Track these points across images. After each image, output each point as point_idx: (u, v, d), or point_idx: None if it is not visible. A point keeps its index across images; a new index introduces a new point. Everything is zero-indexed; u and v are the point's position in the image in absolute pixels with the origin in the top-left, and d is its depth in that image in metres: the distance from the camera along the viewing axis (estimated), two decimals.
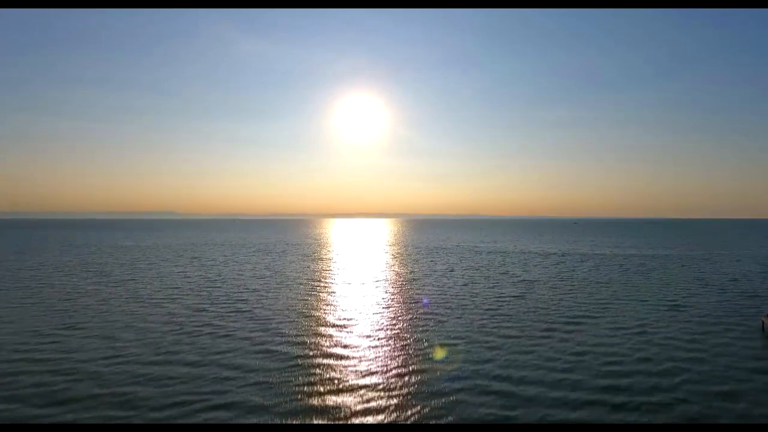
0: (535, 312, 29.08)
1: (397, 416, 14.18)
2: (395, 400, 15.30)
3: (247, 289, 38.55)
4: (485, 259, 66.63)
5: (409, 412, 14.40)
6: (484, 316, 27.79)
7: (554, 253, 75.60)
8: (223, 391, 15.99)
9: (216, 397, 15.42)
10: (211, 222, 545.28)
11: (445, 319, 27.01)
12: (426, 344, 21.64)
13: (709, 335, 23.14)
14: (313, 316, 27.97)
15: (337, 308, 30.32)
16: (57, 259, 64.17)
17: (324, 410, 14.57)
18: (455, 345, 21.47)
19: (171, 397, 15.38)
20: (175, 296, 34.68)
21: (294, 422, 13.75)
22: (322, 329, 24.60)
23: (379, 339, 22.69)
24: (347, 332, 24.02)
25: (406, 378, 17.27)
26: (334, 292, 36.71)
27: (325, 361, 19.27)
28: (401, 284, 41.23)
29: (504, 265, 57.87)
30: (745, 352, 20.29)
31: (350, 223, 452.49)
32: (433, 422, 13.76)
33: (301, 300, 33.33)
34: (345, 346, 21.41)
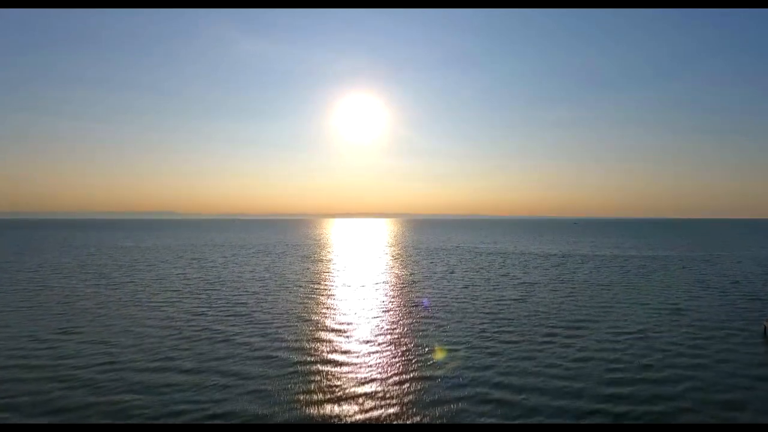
0: (536, 315, 28.86)
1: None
2: (394, 409, 15.09)
3: (246, 291, 38.33)
4: (485, 260, 66.41)
5: (409, 422, 14.19)
6: (485, 320, 27.57)
7: (554, 255, 75.39)
8: (221, 399, 15.77)
9: (213, 406, 15.20)
10: (211, 222, 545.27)
11: (445, 323, 26.79)
12: (426, 350, 21.42)
13: (712, 341, 22.92)
14: (312, 320, 27.74)
15: (337, 312, 30.10)
16: (56, 261, 63.94)
17: (323, 419, 14.35)
18: (456, 351, 21.25)
19: (167, 406, 15.16)
20: (174, 299, 34.46)
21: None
22: (321, 334, 24.38)
23: (378, 344, 22.47)
24: (346, 337, 23.81)
25: (406, 386, 17.05)
26: (333, 296, 36.49)
27: (324, 368, 19.05)
28: (401, 287, 41.01)
29: (504, 266, 57.65)
30: (749, 358, 20.06)
31: (350, 223, 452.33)
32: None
33: (300, 303, 33.11)
34: (344, 352, 21.19)
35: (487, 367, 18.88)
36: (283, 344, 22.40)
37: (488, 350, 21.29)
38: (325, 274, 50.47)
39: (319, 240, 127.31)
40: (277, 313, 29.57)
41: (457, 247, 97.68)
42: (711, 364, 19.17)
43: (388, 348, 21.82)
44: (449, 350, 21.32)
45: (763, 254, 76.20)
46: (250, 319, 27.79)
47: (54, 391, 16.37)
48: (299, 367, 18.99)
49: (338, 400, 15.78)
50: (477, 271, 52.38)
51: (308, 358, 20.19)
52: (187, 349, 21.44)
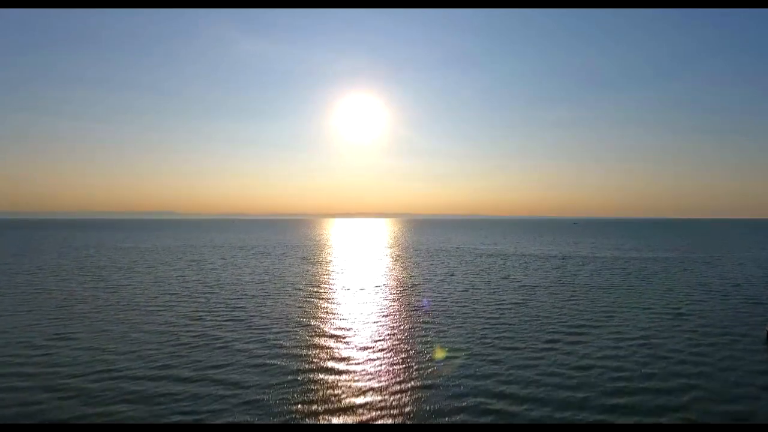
0: (537, 320, 28.59)
1: None
2: (393, 420, 14.82)
3: (245, 294, 38.06)
4: (485, 262, 66.13)
5: None
6: (485, 326, 27.30)
7: (555, 256, 75.12)
8: (218, 410, 15.50)
9: (210, 417, 14.94)
10: (210, 222, 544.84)
11: (445, 328, 26.52)
12: (426, 357, 21.14)
13: (715, 347, 22.65)
14: (311, 325, 27.47)
15: (336, 317, 29.84)
16: (54, 262, 63.66)
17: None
18: (456, 358, 20.98)
19: (162, 418, 14.89)
20: (172, 303, 34.19)
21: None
22: (319, 340, 24.11)
23: (377, 351, 22.20)
24: (345, 343, 23.54)
25: (406, 396, 16.77)
26: (332, 299, 36.22)
27: (322, 376, 18.78)
28: (401, 290, 40.73)
29: (504, 268, 57.38)
30: (754, 366, 19.79)
31: (350, 224, 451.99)
32: None
33: (299, 307, 32.84)
34: (342, 360, 20.91)
35: (488, 376, 18.60)
36: (282, 351, 22.13)
37: (489, 357, 21.01)
38: (324, 276, 50.21)
39: (319, 241, 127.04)
40: (276, 318, 29.30)
41: (457, 248, 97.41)
42: (715, 373, 18.90)
43: (388, 355, 21.54)
44: (449, 357, 21.05)
45: (763, 256, 75.93)
46: (248, 324, 27.52)
47: (47, 401, 16.09)
48: (297, 376, 18.72)
49: (336, 411, 15.51)
50: (477, 274, 52.11)
51: (306, 366, 19.91)
52: (184, 356, 21.16)
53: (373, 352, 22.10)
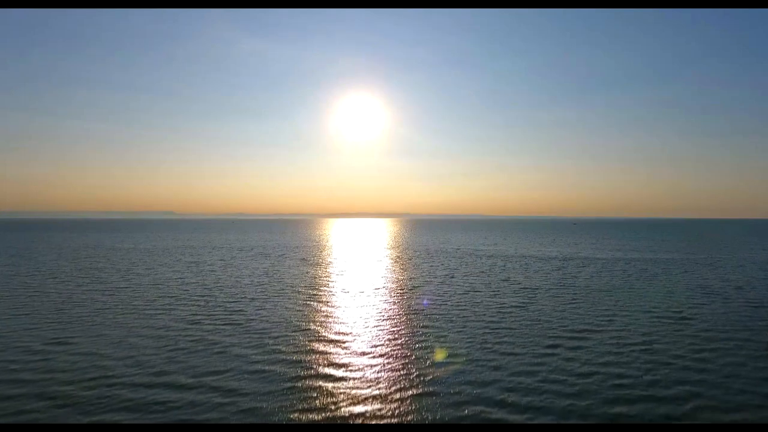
0: (537, 324, 28.38)
1: None
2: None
3: (244, 297, 37.84)
4: (485, 263, 65.93)
5: None
6: (486, 330, 27.09)
7: (555, 257, 74.92)
8: (215, 419, 15.28)
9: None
10: (210, 222, 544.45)
11: (446, 333, 26.30)
12: (426, 363, 20.92)
13: (718, 353, 22.43)
14: (310, 329, 27.25)
15: (335, 321, 29.63)
16: (53, 264, 63.44)
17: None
18: (456, 364, 20.76)
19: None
20: (171, 306, 33.96)
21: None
22: (317, 346, 23.89)
23: (376, 357, 21.98)
24: (344, 349, 23.32)
25: (405, 405, 16.56)
26: (332, 303, 36.01)
27: (320, 383, 18.55)
28: (401, 292, 40.52)
29: (505, 270, 57.17)
30: (758, 373, 19.57)
31: (350, 224, 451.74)
32: None
33: (298, 311, 32.62)
34: (341, 366, 20.69)
35: (488, 383, 18.38)
36: (280, 356, 21.90)
37: (490, 363, 20.79)
38: (323, 278, 49.99)
39: (319, 242, 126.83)
40: (275, 322, 29.08)
41: (457, 249, 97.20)
42: (719, 381, 18.68)
43: (387, 361, 21.32)
44: (450, 363, 20.82)
45: (764, 257, 75.73)
46: (247, 329, 27.30)
47: (41, 410, 15.86)
48: (295, 383, 18.50)
49: (334, 419, 15.29)
50: (477, 276, 51.90)
51: (304, 373, 19.69)
52: (181, 362, 20.94)
53: (373, 357, 21.88)
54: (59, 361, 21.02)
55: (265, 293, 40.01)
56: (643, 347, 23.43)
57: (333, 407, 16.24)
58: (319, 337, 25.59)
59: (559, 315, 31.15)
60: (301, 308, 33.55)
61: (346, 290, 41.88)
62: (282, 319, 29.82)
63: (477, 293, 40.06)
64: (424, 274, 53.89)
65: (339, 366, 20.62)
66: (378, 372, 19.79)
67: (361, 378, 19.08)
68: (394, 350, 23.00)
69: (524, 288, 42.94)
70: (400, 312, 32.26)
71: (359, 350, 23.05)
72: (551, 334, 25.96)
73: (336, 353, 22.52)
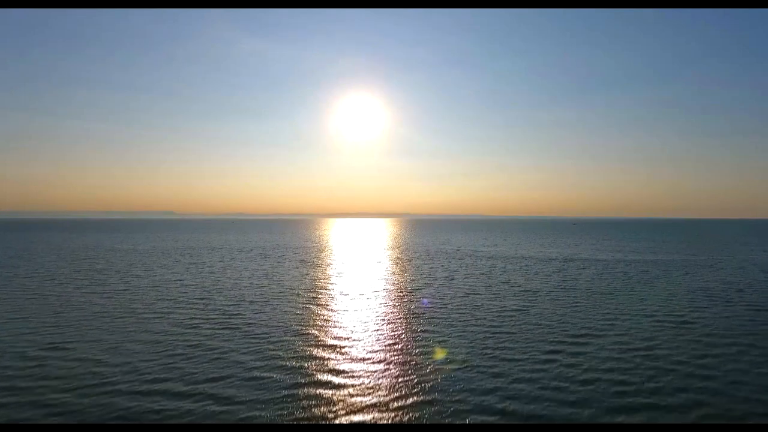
0: (538, 328, 28.15)
1: None
2: None
3: (243, 300, 37.61)
4: (486, 265, 65.69)
5: None
6: (487, 334, 26.87)
7: (555, 259, 74.67)
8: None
9: None
10: (210, 222, 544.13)
11: (446, 338, 26.07)
12: (427, 370, 20.68)
13: (722, 359, 22.19)
14: (310, 334, 27.02)
15: (334, 326, 29.40)
16: (52, 265, 63.19)
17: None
18: (457, 371, 20.53)
19: None
20: (169, 310, 33.72)
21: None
22: (316, 351, 23.65)
23: (376, 363, 21.74)
24: (342, 355, 23.08)
25: (405, 413, 16.33)
26: (331, 307, 35.78)
27: (319, 391, 18.32)
28: (401, 295, 40.28)
29: (505, 272, 56.94)
30: (762, 381, 19.33)
31: (350, 224, 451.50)
32: None
33: (297, 315, 32.39)
34: (339, 373, 20.45)
35: (489, 391, 18.15)
36: (278, 362, 21.67)
37: (491, 370, 20.55)
38: (323, 281, 49.76)
39: (318, 242, 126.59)
40: (274, 326, 28.85)
41: (457, 249, 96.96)
42: (723, 388, 18.44)
43: (387, 367, 21.09)
44: (451, 370, 20.59)
45: (765, 258, 75.46)
46: (245, 333, 27.07)
47: (35, 418, 15.63)
48: (294, 390, 18.26)
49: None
50: (477, 278, 51.66)
51: (302, 380, 19.45)
52: (179, 369, 20.70)
53: (372, 363, 21.65)
54: (55, 368, 20.78)
55: (265, 296, 39.78)
56: (645, 353, 23.20)
57: (331, 416, 16.02)
58: (318, 342, 25.35)
59: (560, 319, 30.92)
60: (300, 312, 33.32)
61: (345, 293, 41.65)
62: (281, 323, 29.59)
63: (477, 296, 39.84)
64: (424, 275, 53.65)
65: (338, 373, 20.38)
66: (377, 379, 19.56)
67: (360, 385, 18.85)
68: (394, 356, 22.77)
69: (525, 291, 42.71)
70: (401, 316, 32.02)
71: (358, 356, 22.82)
72: (552, 339, 25.73)
73: (335, 359, 22.29)
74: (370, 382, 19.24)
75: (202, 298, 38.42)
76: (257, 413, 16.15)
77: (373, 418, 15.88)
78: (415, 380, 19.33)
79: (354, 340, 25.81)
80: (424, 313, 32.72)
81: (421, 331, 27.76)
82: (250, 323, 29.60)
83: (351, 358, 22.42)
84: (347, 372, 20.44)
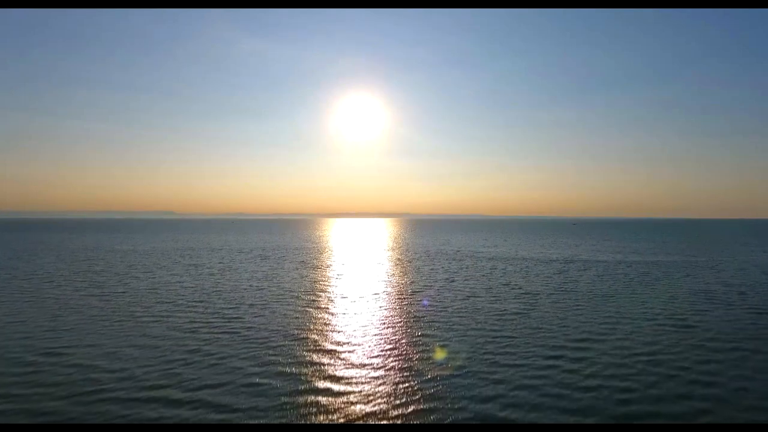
0: (539, 332, 27.93)
1: None
2: None
3: (243, 303, 37.38)
4: (486, 266, 65.47)
5: None
6: (487, 339, 26.65)
7: (556, 260, 74.44)
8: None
9: None
10: (210, 222, 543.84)
11: (447, 343, 25.84)
12: (428, 377, 20.45)
13: (725, 365, 21.97)
14: (309, 339, 26.80)
15: (334, 330, 29.18)
16: (50, 266, 62.95)
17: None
18: (457, 377, 20.31)
19: None
20: (168, 313, 33.49)
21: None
22: (315, 357, 23.42)
23: (376, 369, 21.52)
24: (342, 361, 22.86)
25: (406, 422, 16.09)
26: (331, 310, 35.57)
27: (317, 398, 18.09)
28: (402, 298, 40.05)
29: (505, 274, 56.71)
30: (766, 388, 19.10)
31: (350, 224, 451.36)
32: None
33: (296, 319, 32.17)
34: (338, 380, 20.22)
35: (490, 399, 17.93)
36: (277, 369, 21.44)
37: (492, 377, 20.32)
38: (323, 283, 49.54)
39: (318, 243, 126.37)
40: (273, 330, 28.62)
41: (458, 251, 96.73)
42: (727, 396, 18.21)
43: (387, 374, 20.86)
44: (451, 377, 20.36)
45: (766, 259, 75.21)
46: (244, 338, 26.84)
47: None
48: (291, 398, 18.04)
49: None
50: (478, 280, 51.44)
51: (300, 387, 19.23)
52: (176, 375, 20.47)
53: (372, 369, 21.42)
54: (51, 374, 20.56)
55: (264, 299, 39.55)
56: (647, 358, 22.97)
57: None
58: (317, 347, 25.12)
59: (561, 322, 30.69)
60: (299, 316, 33.09)
61: (345, 296, 41.43)
62: (280, 327, 29.36)
63: (478, 299, 39.61)
64: (424, 278, 53.43)
65: (336, 379, 20.15)
66: (377, 387, 19.33)
67: (359, 393, 18.63)
68: (394, 362, 22.54)
69: (525, 293, 42.48)
70: (401, 320, 31.80)
71: (357, 362, 22.59)
72: (553, 344, 25.50)
73: (333, 365, 22.06)
74: (369, 389, 19.02)
75: (201, 301, 38.20)
76: (255, 421, 15.93)
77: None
78: (416, 387, 19.11)
79: (353, 344, 25.59)
80: (424, 317, 32.51)
81: (422, 335, 27.54)
82: (249, 327, 29.38)
83: (350, 364, 22.19)
84: (346, 378, 20.22)
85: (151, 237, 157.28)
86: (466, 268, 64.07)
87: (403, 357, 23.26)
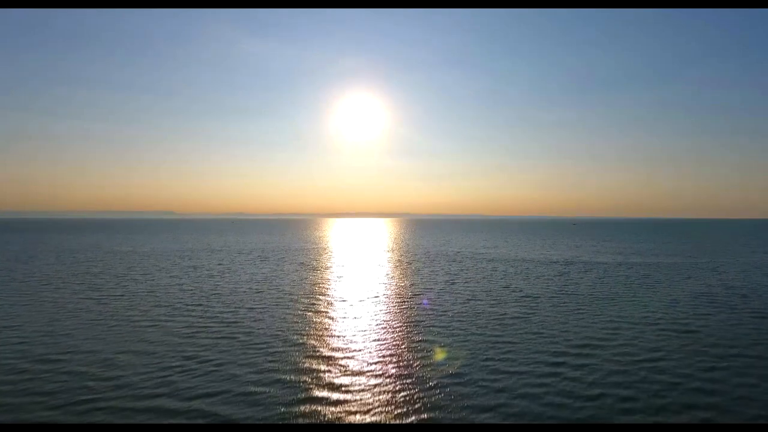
0: (540, 337, 27.64)
1: None
2: None
3: (242, 307, 37.09)
4: (486, 268, 65.18)
5: None
6: (488, 344, 26.36)
7: (556, 262, 74.16)
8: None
9: None
10: (210, 222, 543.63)
11: (447, 349, 25.53)
12: (428, 386, 20.16)
13: (729, 372, 21.67)
14: (308, 344, 26.51)
15: (333, 336, 28.90)
16: (49, 268, 62.65)
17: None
18: (458, 386, 20.02)
19: None
20: (166, 318, 33.21)
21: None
22: (314, 364, 23.13)
23: (375, 377, 21.23)
24: (340, 368, 22.56)
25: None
26: (330, 315, 35.30)
27: (316, 408, 17.80)
28: (402, 301, 39.76)
29: (506, 276, 56.41)
30: None
31: (350, 224, 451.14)
32: None
33: (295, 323, 31.88)
34: (337, 388, 19.93)
35: (492, 408, 17.64)
36: (275, 377, 21.16)
37: (493, 385, 20.03)
38: (323, 286, 49.25)
39: (318, 244, 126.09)
40: (273, 335, 28.34)
41: (458, 252, 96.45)
42: (732, 405, 17.91)
43: (386, 383, 20.57)
44: (451, 385, 20.08)
45: (766, 260, 74.95)
46: (243, 343, 26.55)
47: None
48: (290, 408, 17.76)
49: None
50: (478, 282, 51.15)
51: (299, 396, 18.94)
52: (173, 383, 20.18)
53: (372, 377, 21.12)
54: (45, 382, 20.27)
55: (263, 302, 39.27)
56: (650, 365, 22.67)
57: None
58: (316, 354, 24.83)
59: (562, 327, 30.41)
60: (299, 320, 32.80)
61: (345, 299, 41.14)
62: (279, 332, 29.07)
63: (478, 302, 39.32)
64: (424, 280, 53.14)
65: (335, 388, 19.86)
66: (376, 396, 19.04)
67: (358, 401, 18.34)
68: (394, 370, 22.24)
69: (526, 296, 42.19)
70: (401, 324, 31.51)
71: (357, 369, 22.29)
72: (554, 350, 25.21)
73: (332, 373, 21.77)
74: (368, 398, 18.73)
75: (200, 305, 37.91)
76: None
77: None
78: (416, 397, 18.82)
79: (353, 351, 25.30)
80: (424, 321, 32.22)
81: (422, 340, 27.25)
82: (248, 332, 29.09)
83: (349, 372, 21.90)
84: (345, 387, 19.93)
85: (151, 238, 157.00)
86: (467, 270, 63.79)
87: (403, 364, 22.97)
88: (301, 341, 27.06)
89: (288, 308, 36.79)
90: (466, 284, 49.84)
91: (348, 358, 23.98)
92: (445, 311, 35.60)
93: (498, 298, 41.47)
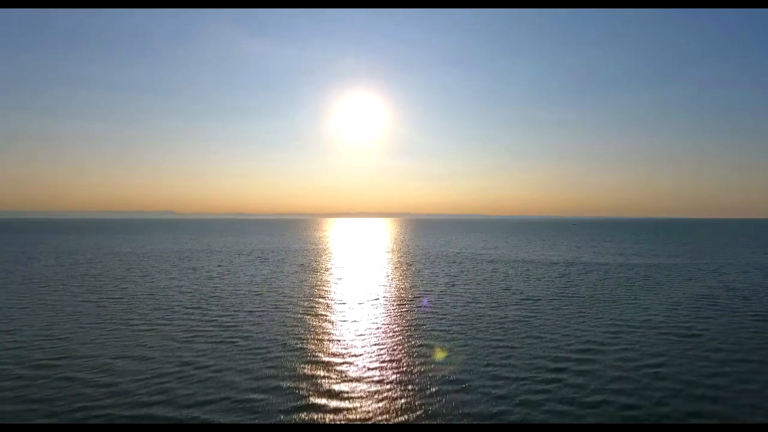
0: (541, 342, 27.42)
1: None
2: None
3: (241, 310, 36.88)
4: (487, 269, 64.95)
5: None
6: (489, 349, 26.14)
7: (556, 263, 73.93)
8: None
9: None
10: (210, 222, 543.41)
11: (447, 354, 25.32)
12: (428, 392, 19.95)
13: (732, 378, 21.45)
14: (307, 349, 26.29)
15: (332, 340, 28.69)
16: (48, 270, 62.43)
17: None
18: (460, 393, 19.80)
19: None
20: (164, 321, 32.99)
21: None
22: (313, 370, 22.92)
23: (374, 383, 21.02)
24: (339, 374, 22.35)
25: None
26: (330, 318, 35.08)
27: (314, 415, 17.58)
28: (402, 304, 39.54)
29: (506, 278, 56.19)
30: None
31: (350, 224, 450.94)
32: None
33: (295, 327, 31.65)
34: (335, 395, 19.72)
35: (493, 416, 17.43)
36: (273, 384, 20.93)
37: (493, 392, 19.81)
38: (322, 288, 49.03)
39: (318, 245, 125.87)
40: (271, 340, 28.12)
41: (458, 252, 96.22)
42: (736, 412, 17.70)
43: (386, 389, 20.36)
44: (453, 392, 19.86)
45: (767, 261, 74.70)
46: (241, 348, 26.33)
47: None
48: (288, 416, 17.54)
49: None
50: (479, 284, 50.93)
51: (298, 403, 18.72)
52: (169, 390, 19.96)
53: (372, 383, 20.90)
54: (42, 388, 20.05)
55: (263, 305, 39.04)
56: (652, 370, 22.45)
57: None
58: (315, 359, 24.62)
59: (563, 331, 30.19)
60: (298, 324, 32.58)
61: (344, 302, 40.92)
62: (278, 337, 28.85)
63: (479, 305, 39.10)
64: (425, 282, 52.91)
65: (334, 394, 19.64)
66: (376, 402, 18.83)
67: (358, 409, 18.12)
68: (394, 375, 22.03)
69: (526, 299, 41.97)
70: (402, 328, 31.29)
71: (356, 375, 22.08)
72: (556, 355, 24.98)
73: (332, 378, 21.55)
74: (368, 405, 18.51)
75: (199, 308, 37.69)
76: None
77: None
78: (416, 403, 18.61)
79: (352, 356, 25.08)
80: (424, 325, 31.99)
81: (422, 345, 27.03)
82: (246, 337, 28.87)
83: (348, 377, 21.68)
84: (344, 393, 19.71)
85: (151, 238, 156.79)
86: (467, 271, 63.56)
87: (402, 370, 22.75)
88: (300, 346, 26.84)
89: (287, 312, 36.57)
90: (466, 286, 49.62)
91: (347, 363, 23.77)
92: (446, 314, 35.38)
93: (498, 300, 41.26)
